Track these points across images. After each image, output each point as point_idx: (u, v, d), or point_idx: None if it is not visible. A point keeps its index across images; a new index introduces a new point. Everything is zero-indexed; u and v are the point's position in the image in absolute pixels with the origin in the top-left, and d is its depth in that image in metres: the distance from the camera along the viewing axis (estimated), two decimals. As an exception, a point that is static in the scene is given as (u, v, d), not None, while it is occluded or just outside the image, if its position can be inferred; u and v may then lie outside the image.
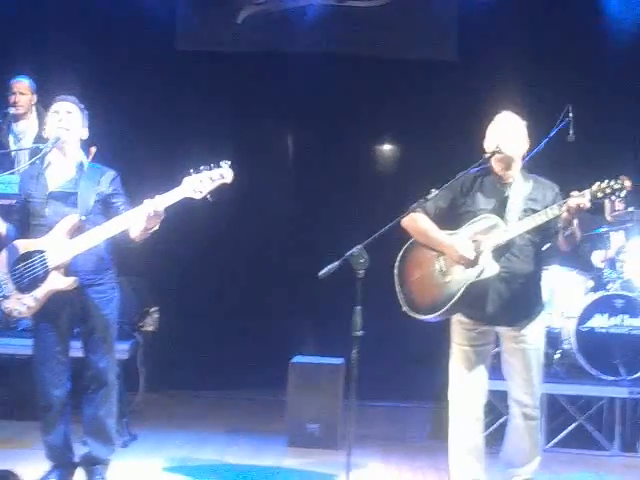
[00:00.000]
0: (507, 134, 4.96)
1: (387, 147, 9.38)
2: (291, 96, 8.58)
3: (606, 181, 4.65)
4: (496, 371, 5.23)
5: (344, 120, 8.71)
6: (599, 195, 4.66)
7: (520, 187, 4.98)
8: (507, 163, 4.97)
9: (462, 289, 4.87)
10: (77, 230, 4.94)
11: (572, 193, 4.72)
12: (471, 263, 4.88)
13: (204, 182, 4.81)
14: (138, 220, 4.87)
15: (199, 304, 8.44)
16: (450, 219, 5.04)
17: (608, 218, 7.32)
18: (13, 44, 8.12)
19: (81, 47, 8.19)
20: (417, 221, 5.02)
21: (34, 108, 7.34)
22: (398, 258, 5.14)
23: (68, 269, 4.93)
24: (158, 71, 8.52)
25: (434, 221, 5.04)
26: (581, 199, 4.65)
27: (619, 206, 7.27)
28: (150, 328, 6.82)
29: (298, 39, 8.75)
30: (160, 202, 4.83)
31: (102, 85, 7.25)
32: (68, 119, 5.11)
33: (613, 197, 4.67)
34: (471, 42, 8.59)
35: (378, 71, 8.65)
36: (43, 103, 7.23)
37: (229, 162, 4.84)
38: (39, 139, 6.93)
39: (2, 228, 5.02)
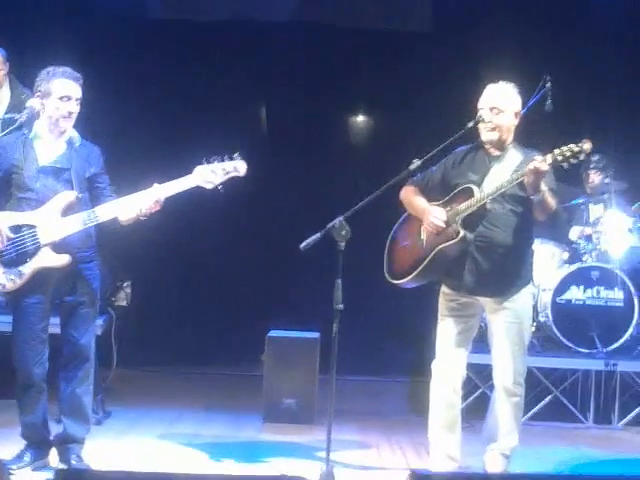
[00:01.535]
0: (492, 104, 4.93)
1: (362, 118, 9.32)
2: (263, 66, 8.54)
3: (568, 145, 4.64)
4: (476, 344, 5.21)
5: (319, 91, 8.63)
6: (559, 158, 4.65)
7: (508, 160, 4.96)
8: (497, 137, 4.94)
9: (431, 254, 4.95)
10: (71, 208, 4.85)
11: (535, 157, 4.71)
12: (444, 230, 4.91)
13: (217, 173, 4.83)
14: (140, 205, 4.81)
15: (172, 278, 8.38)
16: (443, 193, 5.06)
17: (588, 190, 7.34)
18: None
19: (55, 17, 8.05)
20: (408, 193, 5.12)
21: (7, 77, 7.18)
22: (394, 228, 5.28)
23: (58, 245, 4.83)
24: (130, 40, 8.37)
25: (426, 194, 5.10)
26: (538, 162, 4.64)
27: (594, 178, 7.29)
28: (123, 303, 6.73)
29: (271, 8, 8.66)
30: (170, 189, 4.82)
31: (79, 58, 7.11)
32: (77, 110, 4.94)
33: (572, 160, 4.63)
34: (445, 11, 8.51)
35: (352, 41, 8.58)
36: (16, 72, 7.08)
37: (239, 155, 4.86)
38: (11, 110, 6.80)
39: None
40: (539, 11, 8.14)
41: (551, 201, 4.83)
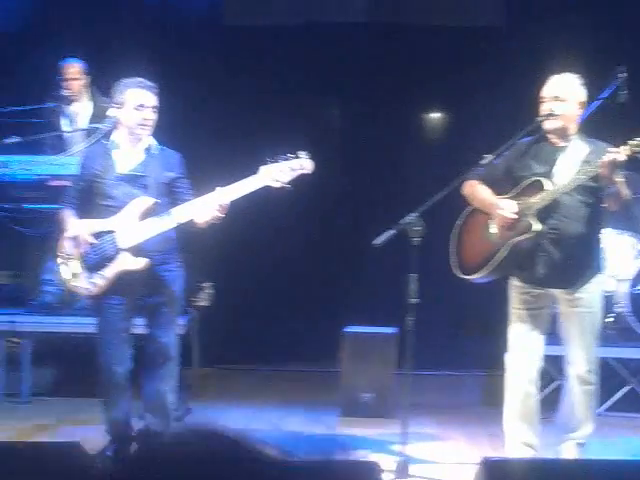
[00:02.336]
0: (555, 94, 4.93)
1: (437, 115, 9.32)
2: (337, 67, 8.59)
3: None
4: (551, 336, 5.23)
5: (390, 89, 8.66)
6: (637, 149, 4.61)
7: (575, 150, 4.95)
8: (560, 127, 4.94)
9: (506, 249, 4.95)
10: (148, 212, 4.98)
11: (609, 149, 4.69)
12: (515, 223, 4.92)
13: (284, 172, 4.86)
14: (208, 208, 4.90)
15: (250, 278, 8.48)
16: (508, 184, 5.07)
17: None
18: (67, 24, 8.14)
19: (132, 26, 8.24)
20: (472, 187, 5.11)
21: (87, 88, 7.38)
22: (458, 222, 5.27)
23: (137, 249, 4.98)
24: (206, 46, 8.54)
25: (490, 187, 5.09)
26: (615, 154, 4.63)
27: None
28: (204, 303, 6.88)
29: (342, 9, 8.72)
30: (234, 192, 4.87)
31: (155, 65, 7.30)
32: (154, 118, 5.08)
33: None
34: (518, 5, 8.49)
35: (423, 39, 8.58)
36: (97, 83, 7.28)
37: (306, 153, 4.87)
38: (93, 120, 7.00)
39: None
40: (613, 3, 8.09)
41: (625, 191, 4.82)
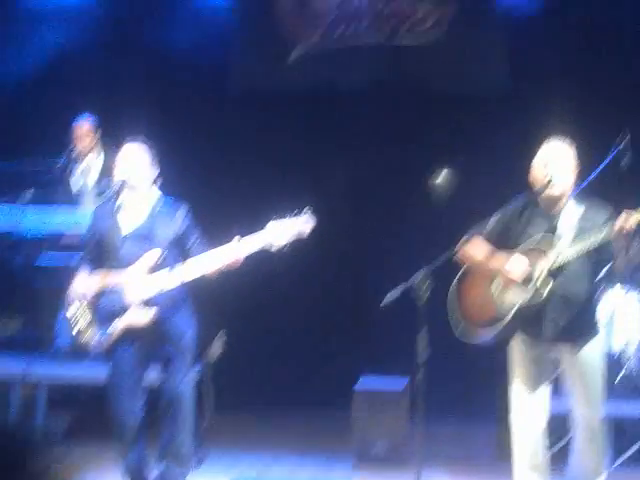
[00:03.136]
0: (555, 168, 4.99)
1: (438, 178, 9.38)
2: (343, 132, 8.78)
3: None
4: (560, 389, 5.28)
5: (399, 154, 8.81)
6: None
7: (572, 211, 5.03)
8: (555, 197, 5.02)
9: (514, 310, 4.99)
10: (157, 266, 5.09)
11: (624, 212, 4.76)
12: (524, 285, 4.97)
13: (287, 231, 4.96)
14: (220, 262, 5.01)
15: (264, 326, 8.58)
16: (503, 245, 5.11)
17: None
18: (79, 81, 8.36)
19: (141, 86, 8.47)
20: (473, 246, 5.13)
21: (98, 144, 7.56)
22: (454, 282, 5.26)
23: (147, 301, 5.09)
24: (212, 114, 8.73)
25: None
26: (630, 219, 4.69)
27: None
28: (217, 350, 6.96)
29: (347, 77, 8.92)
30: (248, 246, 4.97)
31: (163, 123, 7.49)
32: (136, 162, 5.22)
33: None
34: (523, 74, 8.64)
35: (428, 106, 8.76)
36: (108, 138, 7.46)
37: (309, 211, 4.97)
38: (104, 173, 7.17)
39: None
40: (618, 67, 8.23)
41: (636, 254, 4.89)
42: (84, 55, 8.58)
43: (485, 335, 5.12)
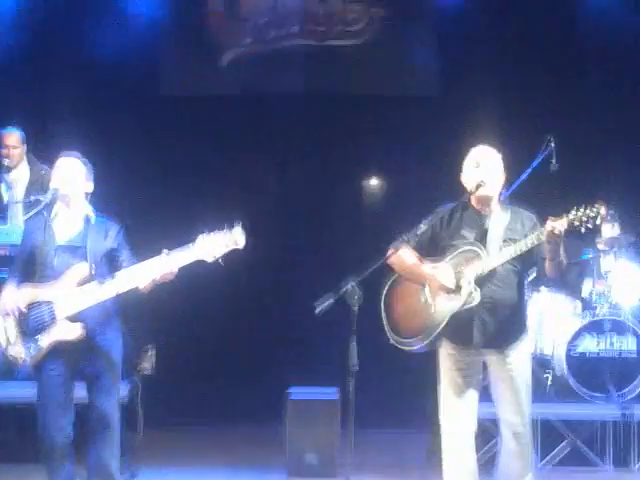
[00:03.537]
0: (486, 169, 5.06)
1: (371, 182, 9.46)
2: (274, 136, 8.80)
3: (582, 209, 4.73)
4: (487, 394, 5.32)
5: (328, 158, 8.87)
6: (576, 223, 4.74)
7: (499, 218, 5.09)
8: (487, 198, 5.09)
9: (446, 319, 5.02)
10: (86, 280, 5.03)
11: (549, 219, 4.81)
12: (454, 293, 5.01)
13: (219, 245, 4.88)
14: (152, 274, 4.96)
15: (193, 341, 8.56)
16: (433, 252, 5.15)
17: (599, 246, 7.31)
18: (5, 93, 8.24)
19: (71, 95, 8.33)
20: (400, 255, 5.08)
21: (25, 157, 7.48)
22: (384, 292, 5.27)
23: (74, 317, 5.02)
24: (143, 116, 8.70)
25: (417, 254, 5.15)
26: (557, 225, 4.73)
27: (606, 231, 7.27)
28: (147, 367, 6.90)
29: (280, 80, 8.93)
30: (180, 259, 4.91)
31: (95, 134, 7.41)
32: (70, 175, 5.19)
33: (589, 224, 4.73)
34: (450, 75, 8.77)
35: (360, 108, 8.81)
36: (35, 152, 7.38)
37: (240, 226, 4.90)
38: (31, 187, 7.09)
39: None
40: (543, 73, 8.41)
41: (565, 260, 4.97)
42: (9, 67, 8.45)
43: (416, 343, 5.13)
